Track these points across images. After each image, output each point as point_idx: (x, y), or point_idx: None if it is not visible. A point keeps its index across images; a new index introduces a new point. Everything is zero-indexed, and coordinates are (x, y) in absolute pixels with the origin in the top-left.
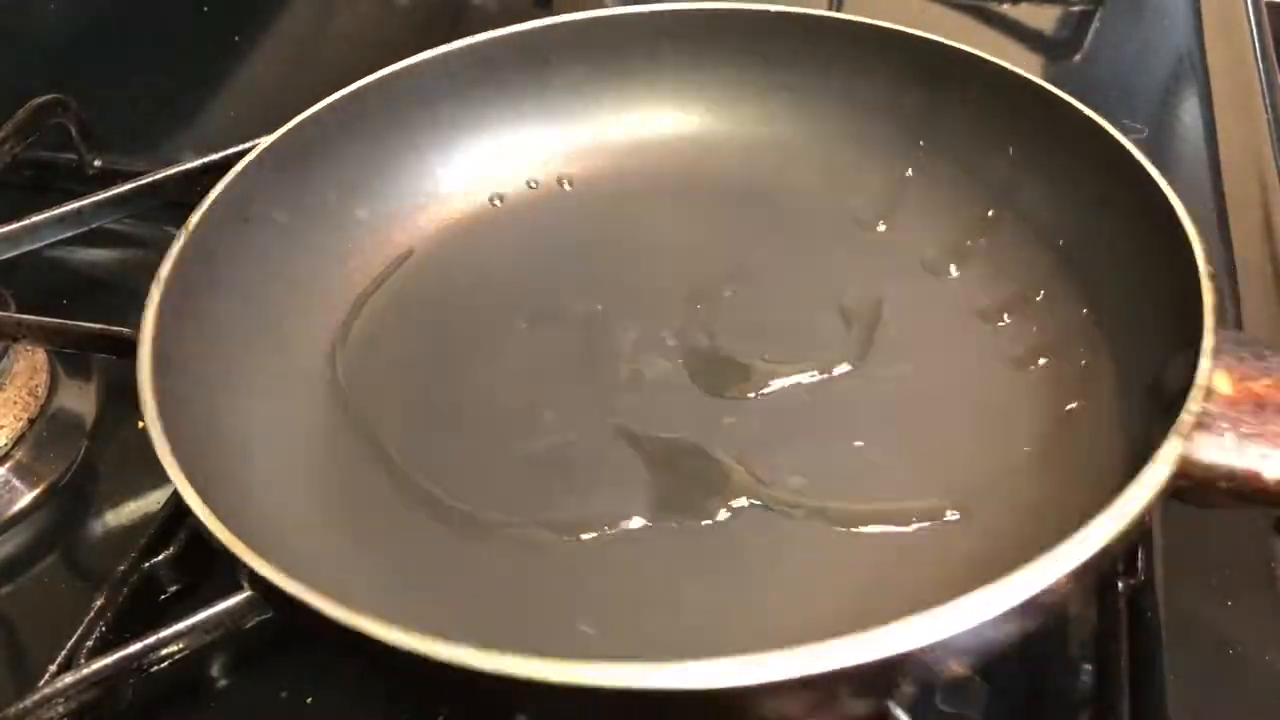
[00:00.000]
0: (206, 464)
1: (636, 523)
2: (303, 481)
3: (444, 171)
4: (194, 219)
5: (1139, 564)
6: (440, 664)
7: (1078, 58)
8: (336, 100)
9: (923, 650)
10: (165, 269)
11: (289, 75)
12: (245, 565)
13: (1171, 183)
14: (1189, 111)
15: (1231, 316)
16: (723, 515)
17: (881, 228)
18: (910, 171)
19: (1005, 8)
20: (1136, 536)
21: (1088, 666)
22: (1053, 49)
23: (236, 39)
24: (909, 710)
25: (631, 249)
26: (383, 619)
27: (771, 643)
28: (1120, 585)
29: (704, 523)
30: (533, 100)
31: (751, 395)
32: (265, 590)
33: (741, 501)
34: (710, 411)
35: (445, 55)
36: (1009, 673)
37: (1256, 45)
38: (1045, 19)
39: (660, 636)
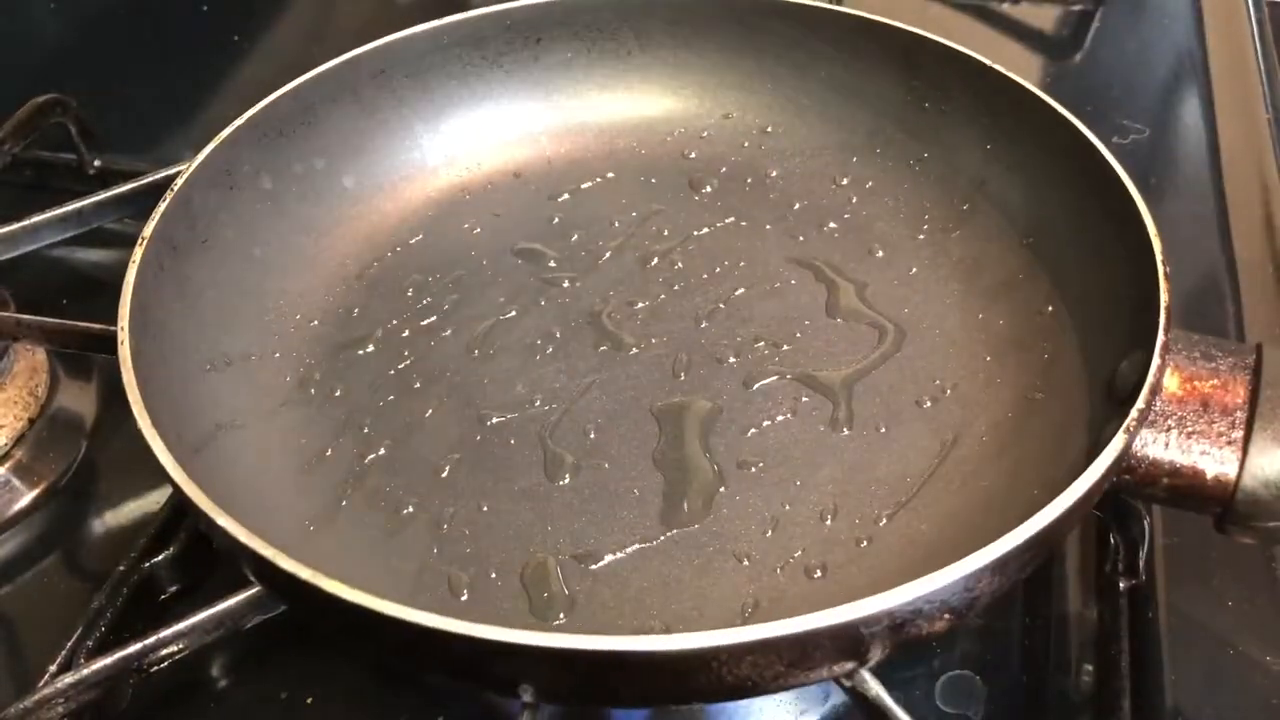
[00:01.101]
0: (184, 433)
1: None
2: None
3: (431, 143)
4: (179, 181)
5: (1140, 565)
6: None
7: (1078, 57)
8: (327, 69)
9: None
10: (149, 228)
11: (289, 75)
12: (254, 555)
13: (1172, 182)
14: (1190, 111)
15: (1232, 315)
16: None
17: (859, 213)
18: (891, 162)
19: (1005, 7)
20: (1077, 522)
21: (1088, 666)
22: (1053, 48)
23: (236, 39)
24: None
25: (609, 227)
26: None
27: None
28: (1121, 586)
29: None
30: (521, 77)
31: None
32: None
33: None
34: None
35: (438, 29)
36: (1009, 673)
37: (1257, 45)
38: (1045, 19)
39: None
